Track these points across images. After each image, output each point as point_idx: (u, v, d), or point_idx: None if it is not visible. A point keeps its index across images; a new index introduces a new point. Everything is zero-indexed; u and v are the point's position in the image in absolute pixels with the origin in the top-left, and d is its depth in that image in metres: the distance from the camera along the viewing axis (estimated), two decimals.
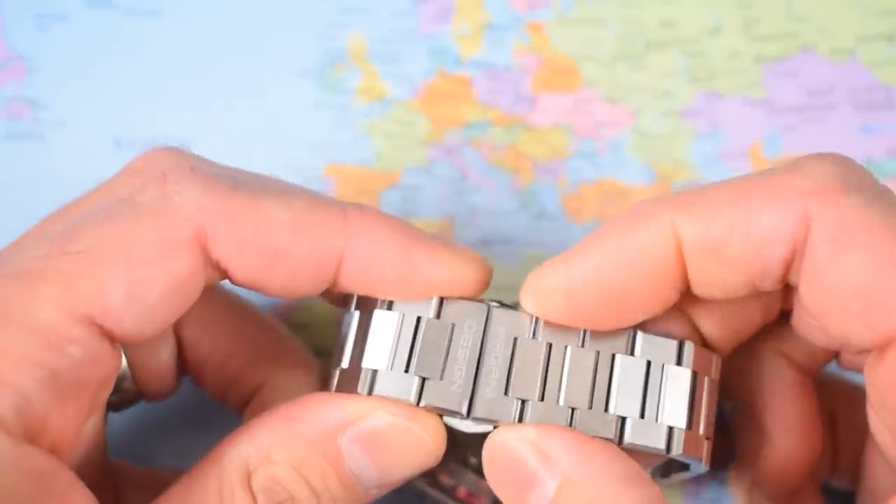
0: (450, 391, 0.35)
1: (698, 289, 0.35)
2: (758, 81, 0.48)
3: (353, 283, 0.36)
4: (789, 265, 0.34)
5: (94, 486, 0.35)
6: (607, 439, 0.35)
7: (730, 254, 0.34)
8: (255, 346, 0.41)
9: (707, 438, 0.36)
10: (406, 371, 0.35)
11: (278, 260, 0.35)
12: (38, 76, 0.48)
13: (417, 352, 0.35)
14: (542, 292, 0.35)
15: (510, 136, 0.48)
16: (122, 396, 0.40)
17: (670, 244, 0.34)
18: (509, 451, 0.35)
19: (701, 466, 0.37)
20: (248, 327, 0.41)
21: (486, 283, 0.36)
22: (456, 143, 0.47)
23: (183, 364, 0.41)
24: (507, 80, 0.48)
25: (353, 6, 0.49)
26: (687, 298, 0.36)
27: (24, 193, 0.47)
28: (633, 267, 0.34)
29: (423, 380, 0.35)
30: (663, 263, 0.34)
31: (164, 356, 0.40)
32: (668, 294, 0.35)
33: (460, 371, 0.35)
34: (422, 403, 0.35)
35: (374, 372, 0.35)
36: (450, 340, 0.35)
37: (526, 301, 0.35)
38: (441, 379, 0.35)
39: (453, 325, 0.35)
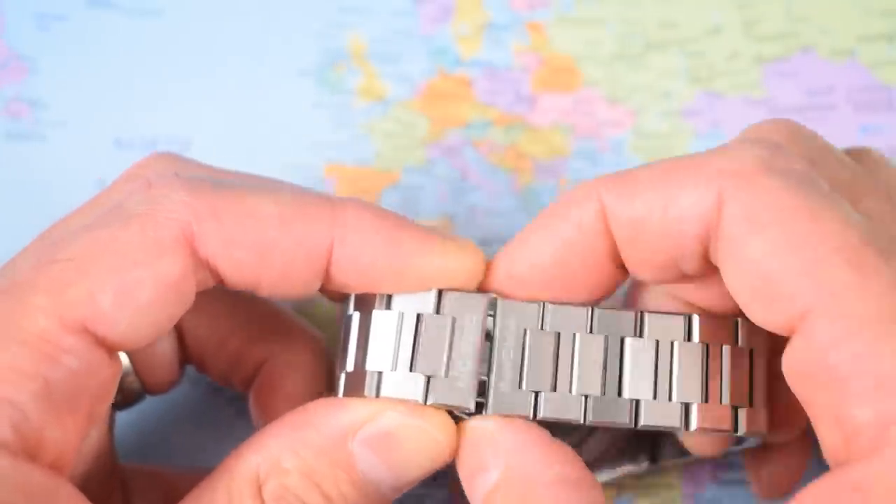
0: (456, 387, 0.35)
1: (631, 268, 0.36)
2: (758, 81, 0.48)
3: (346, 277, 0.36)
4: (706, 246, 0.34)
5: (102, 494, 0.35)
6: (623, 424, 0.35)
7: (649, 232, 0.34)
8: (252, 323, 0.41)
9: (735, 406, 0.36)
10: (411, 370, 0.35)
11: (267, 254, 0.35)
12: (38, 76, 0.48)
13: (420, 349, 0.35)
14: (491, 276, 0.36)
15: (510, 136, 0.48)
16: (127, 394, 0.40)
17: (598, 221, 0.35)
18: (471, 435, 0.35)
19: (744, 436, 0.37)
20: (244, 305, 0.41)
21: (480, 273, 0.36)
22: (456, 143, 0.47)
23: (184, 351, 0.41)
24: (507, 80, 0.48)
25: (353, 6, 0.49)
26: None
27: (24, 193, 0.47)
28: (566, 244, 0.35)
29: (429, 378, 0.35)
30: (594, 239, 0.35)
31: (166, 346, 0.40)
32: (608, 270, 0.36)
33: (465, 366, 0.35)
34: (429, 402, 0.35)
35: (380, 374, 0.35)
36: (451, 335, 0.35)
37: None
38: (446, 376, 0.35)
39: (454, 319, 0.35)
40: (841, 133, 0.47)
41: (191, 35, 0.48)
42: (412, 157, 0.47)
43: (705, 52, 0.48)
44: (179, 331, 0.40)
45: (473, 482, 0.35)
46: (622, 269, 0.36)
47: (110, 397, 0.35)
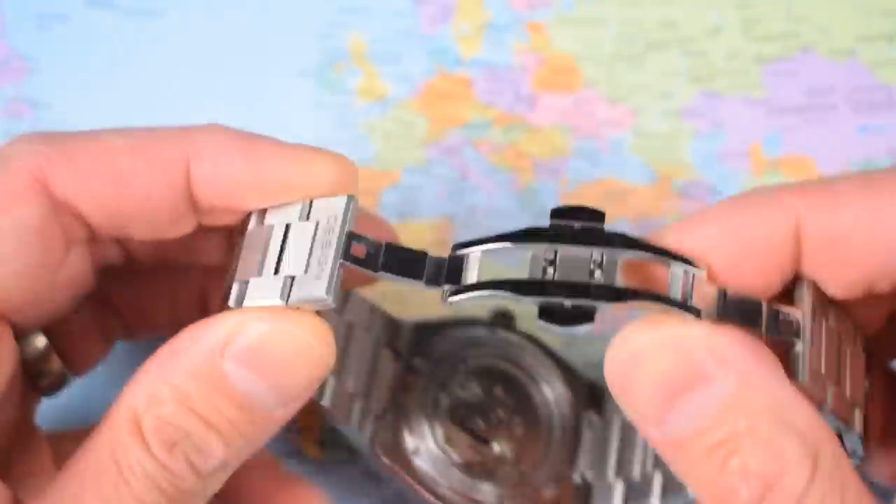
0: (314, 283, 0.34)
1: (819, 281, 0.34)
2: (758, 81, 0.48)
3: (210, 198, 0.35)
4: None
5: (28, 470, 0.35)
6: None
7: (850, 246, 0.33)
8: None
9: (853, 404, 0.35)
10: (274, 274, 0.34)
11: (123, 186, 0.35)
12: (38, 76, 0.48)
13: (284, 255, 0.34)
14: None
15: (510, 136, 0.48)
16: (51, 379, 0.39)
17: (788, 230, 0.34)
18: (677, 347, 0.32)
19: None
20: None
21: (351, 180, 0.35)
22: (456, 143, 0.47)
23: (118, 324, 0.40)
24: (507, 80, 0.48)
25: (353, 6, 0.49)
26: None
27: None
28: (742, 246, 0.34)
29: (291, 279, 0.34)
30: (776, 247, 0.34)
31: (85, 320, 0.39)
32: (772, 279, 0.34)
33: (325, 262, 0.34)
34: (289, 301, 0.34)
35: (245, 283, 0.34)
36: (314, 236, 0.34)
37: None
38: (306, 273, 0.34)
39: (318, 222, 0.35)
40: (841, 133, 0.47)
41: (191, 35, 0.48)
42: (412, 157, 0.47)
43: (705, 52, 0.48)
44: (110, 306, 0.40)
45: (677, 401, 0.32)
46: (781, 281, 0.34)
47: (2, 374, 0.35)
